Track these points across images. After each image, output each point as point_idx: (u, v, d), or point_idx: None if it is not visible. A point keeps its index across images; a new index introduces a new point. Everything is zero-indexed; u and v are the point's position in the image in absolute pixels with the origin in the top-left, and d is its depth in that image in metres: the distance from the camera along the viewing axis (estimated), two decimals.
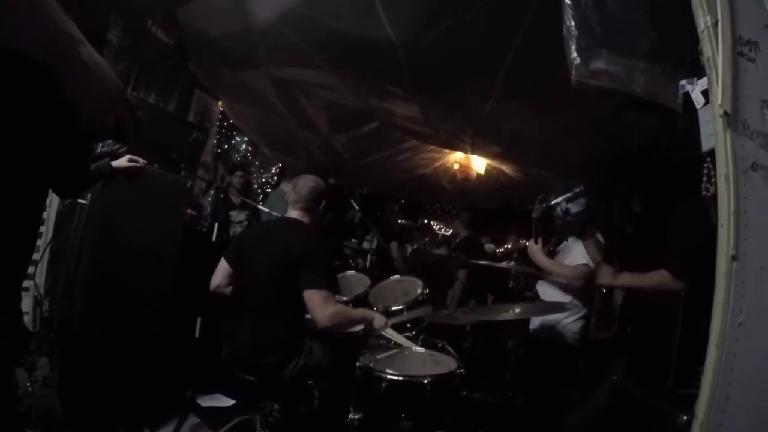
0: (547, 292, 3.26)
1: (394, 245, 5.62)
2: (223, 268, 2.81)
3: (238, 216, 5.03)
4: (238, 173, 5.47)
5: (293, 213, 2.74)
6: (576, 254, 3.08)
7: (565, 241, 3.26)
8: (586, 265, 3.00)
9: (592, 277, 2.96)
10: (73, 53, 0.91)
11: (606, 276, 2.47)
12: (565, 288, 3.11)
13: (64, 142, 1.05)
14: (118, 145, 2.20)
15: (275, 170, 7.05)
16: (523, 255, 3.22)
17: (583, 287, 3.03)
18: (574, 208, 2.86)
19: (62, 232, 3.01)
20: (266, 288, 2.53)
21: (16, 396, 1.10)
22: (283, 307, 2.51)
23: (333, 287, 2.58)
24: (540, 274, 3.34)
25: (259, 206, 4.17)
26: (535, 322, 3.19)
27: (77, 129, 1.05)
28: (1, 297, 0.98)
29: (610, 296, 3.21)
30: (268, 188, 6.87)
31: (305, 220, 2.72)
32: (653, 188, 2.32)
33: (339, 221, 5.67)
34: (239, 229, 4.94)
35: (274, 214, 4.19)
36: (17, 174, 0.94)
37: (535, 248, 3.20)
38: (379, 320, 2.73)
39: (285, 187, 4.83)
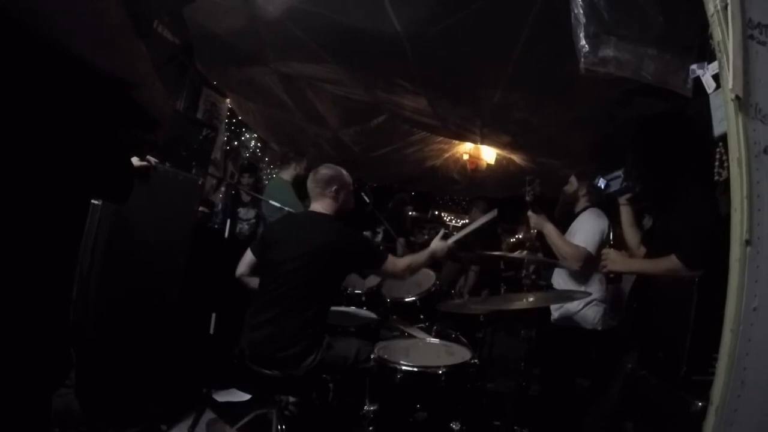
0: (560, 281, 3.25)
1: (401, 242, 5.61)
2: (248, 257, 2.82)
3: (247, 213, 5.06)
4: (246, 175, 5.50)
5: (316, 205, 2.72)
6: (580, 236, 3.06)
7: (575, 220, 3.24)
8: (586, 248, 2.98)
9: (591, 263, 2.96)
10: (149, 69, 1.01)
11: (617, 262, 2.46)
12: (578, 277, 3.10)
13: (116, 149, 1.10)
14: None
15: None
16: (533, 246, 3.19)
17: (582, 270, 3.02)
18: (613, 186, 2.83)
19: (81, 238, 3.03)
20: (295, 282, 2.51)
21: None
22: (310, 301, 2.49)
23: (385, 252, 2.91)
24: (554, 262, 3.33)
25: (271, 202, 4.18)
26: (555, 312, 3.18)
27: (151, 134, 1.14)
28: (48, 310, 0.98)
29: (618, 282, 3.18)
30: None
31: (329, 211, 2.70)
32: (665, 171, 2.28)
33: (357, 214, 5.65)
34: (246, 227, 4.96)
35: (274, 203, 4.17)
36: (69, 182, 0.97)
37: (539, 217, 3.15)
38: (440, 250, 2.84)
39: (284, 175, 4.76)
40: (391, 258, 2.73)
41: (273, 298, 2.55)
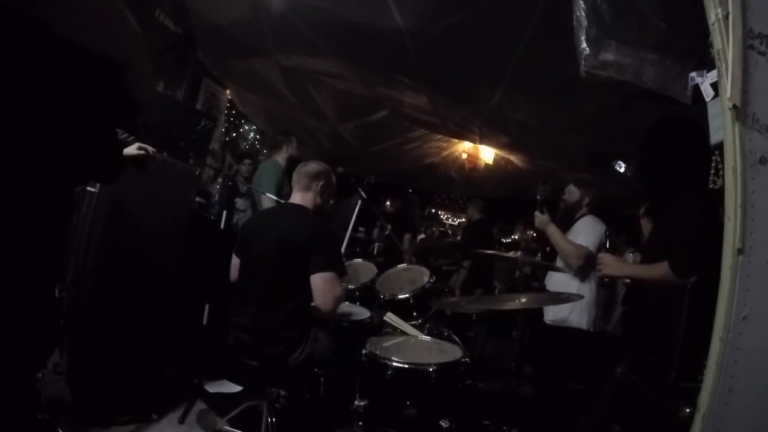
0: (554, 282, 3.27)
1: (407, 238, 5.61)
2: (235, 261, 2.80)
3: (243, 204, 5.03)
4: (247, 161, 5.47)
5: (297, 196, 2.71)
6: (582, 237, 3.12)
7: (575, 224, 3.27)
8: (587, 248, 3.04)
9: (591, 262, 3.00)
10: (139, 49, 0.99)
11: (611, 266, 2.46)
12: (571, 279, 3.12)
13: (103, 129, 1.07)
14: (126, 134, 2.21)
15: None
16: (528, 247, 3.21)
17: (582, 269, 3.08)
18: (631, 169, 2.85)
19: (71, 219, 3.03)
20: (270, 275, 2.50)
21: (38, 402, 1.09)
22: (288, 294, 2.47)
23: (341, 271, 2.54)
24: (548, 264, 3.35)
25: (267, 194, 4.16)
26: (549, 312, 3.21)
27: (133, 119, 1.11)
28: (33, 292, 0.98)
29: (613, 287, 3.21)
30: None
31: (309, 205, 2.68)
32: (663, 177, 2.28)
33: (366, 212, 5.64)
34: (243, 217, 4.93)
35: (268, 195, 4.14)
36: (56, 164, 0.96)
37: (543, 218, 3.21)
38: None
39: (278, 157, 4.58)
40: (335, 277, 2.47)
41: (252, 295, 2.54)
